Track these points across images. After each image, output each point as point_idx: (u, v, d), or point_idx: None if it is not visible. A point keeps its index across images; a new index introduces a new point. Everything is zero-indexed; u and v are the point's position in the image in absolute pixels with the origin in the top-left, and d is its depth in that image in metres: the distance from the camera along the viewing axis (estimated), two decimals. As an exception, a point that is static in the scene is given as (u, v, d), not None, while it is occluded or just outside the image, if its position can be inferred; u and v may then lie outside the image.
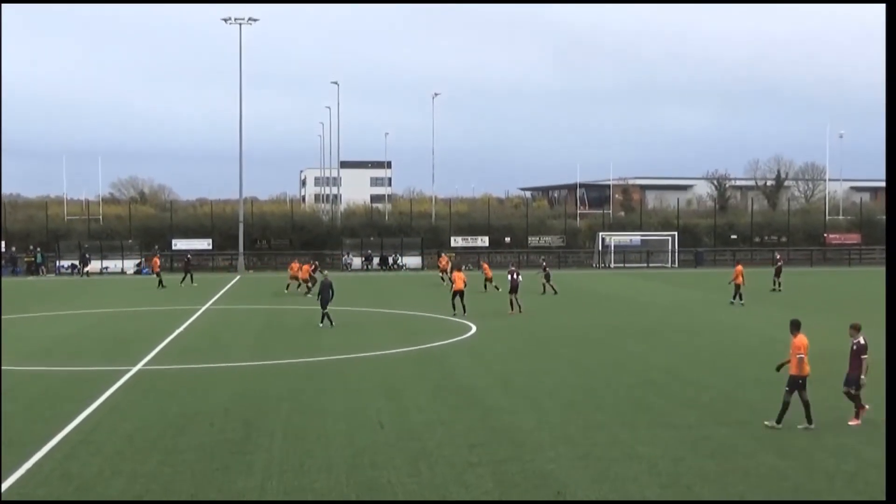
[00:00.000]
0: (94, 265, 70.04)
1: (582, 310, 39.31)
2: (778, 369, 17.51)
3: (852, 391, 16.76)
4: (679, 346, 27.36)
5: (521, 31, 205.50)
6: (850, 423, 16.67)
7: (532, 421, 17.14)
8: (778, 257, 53.38)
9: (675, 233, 77.61)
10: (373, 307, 40.13)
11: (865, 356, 16.64)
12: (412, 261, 74.37)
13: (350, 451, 15.06)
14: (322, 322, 32.61)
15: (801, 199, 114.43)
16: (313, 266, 52.61)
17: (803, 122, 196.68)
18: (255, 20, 71.57)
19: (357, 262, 73.39)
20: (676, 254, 76.31)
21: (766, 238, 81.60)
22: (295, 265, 51.60)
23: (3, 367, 22.76)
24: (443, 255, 63.41)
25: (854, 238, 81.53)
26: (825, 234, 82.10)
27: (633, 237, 78.64)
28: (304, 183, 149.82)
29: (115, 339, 29.82)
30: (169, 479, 13.59)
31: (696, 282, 55.06)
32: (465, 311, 35.90)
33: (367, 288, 51.75)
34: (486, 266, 51.03)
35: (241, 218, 73.16)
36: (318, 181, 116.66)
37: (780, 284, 48.66)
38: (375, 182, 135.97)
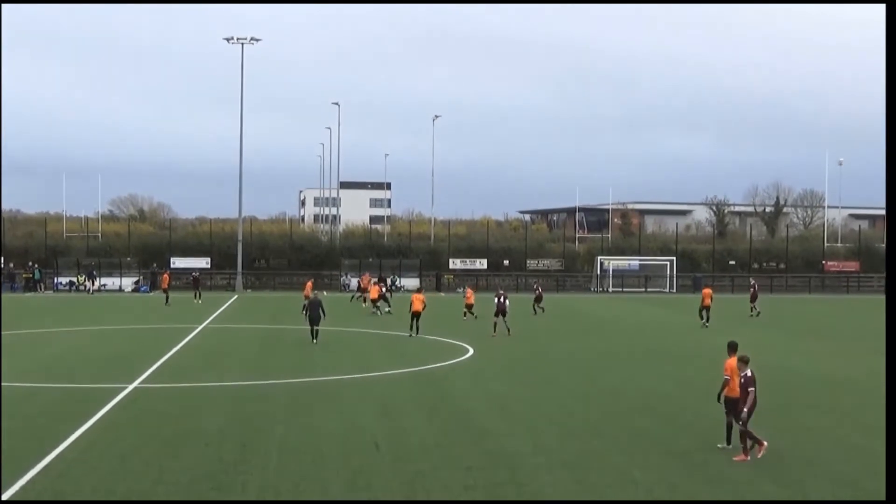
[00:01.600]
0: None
1: (580, 334, 39.27)
2: (718, 399, 17.12)
3: (743, 428, 15.89)
4: (677, 372, 27.31)
5: (521, 56, 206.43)
6: (735, 458, 15.81)
7: (528, 445, 17.09)
8: (752, 282, 53.81)
9: (674, 258, 77.71)
10: (370, 328, 40.07)
11: (752, 388, 15.89)
12: (410, 282, 74.34)
13: (346, 472, 15.01)
14: (315, 339, 33.53)
15: (799, 225, 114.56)
16: (382, 285, 52.52)
17: (802, 149, 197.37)
18: (257, 40, 71.98)
19: (355, 282, 73.30)
20: (675, 279, 76.38)
21: (765, 264, 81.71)
22: (366, 278, 53.03)
23: (0, 384, 22.71)
24: (365, 274, 62.26)
25: (853, 266, 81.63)
26: (824, 262, 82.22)
27: (632, 261, 78.73)
28: (303, 203, 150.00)
29: (111, 357, 29.75)
30: (163, 498, 13.54)
31: (694, 307, 54.87)
32: (417, 332, 36.24)
33: (365, 309, 51.64)
34: (469, 292, 48.57)
35: (240, 237, 73.24)
36: (317, 201, 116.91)
37: (754, 309, 49.30)
38: (375, 203, 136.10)
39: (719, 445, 16.76)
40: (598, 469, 15.36)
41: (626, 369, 27.97)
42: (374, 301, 48.86)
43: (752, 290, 51.57)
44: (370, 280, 53.65)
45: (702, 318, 42.93)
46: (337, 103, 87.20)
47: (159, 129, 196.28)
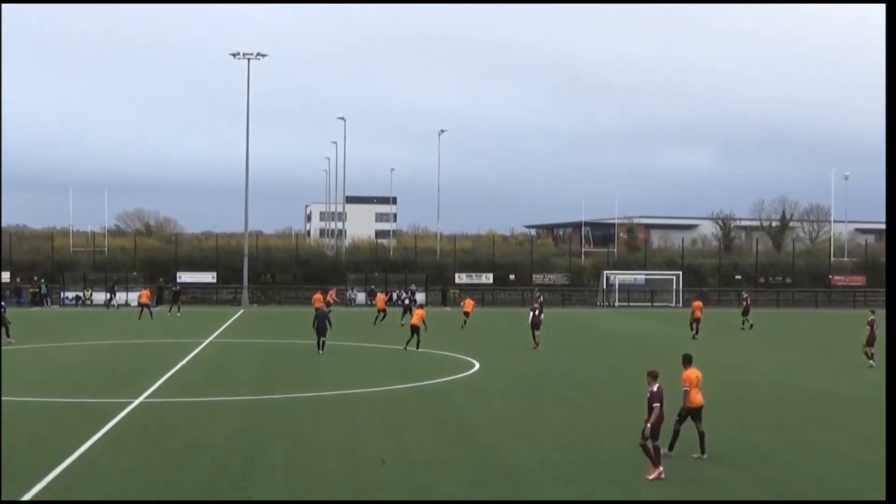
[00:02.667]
0: (99, 297, 70.14)
1: (585, 349, 39.23)
2: (679, 415, 17.38)
3: (642, 442, 15.66)
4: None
5: (527, 71, 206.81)
6: (645, 475, 15.52)
7: (534, 461, 17.08)
8: (745, 296, 54.01)
9: (680, 272, 77.64)
10: (376, 343, 40.08)
11: (657, 404, 15.65)
12: (416, 297, 74.28)
13: (351, 487, 15.02)
14: (319, 350, 34.68)
15: (805, 240, 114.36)
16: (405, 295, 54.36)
17: (808, 163, 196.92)
18: (263, 55, 72.26)
19: (361, 297, 73.40)
20: (681, 293, 76.29)
21: (771, 279, 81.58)
22: (381, 297, 53.52)
23: (3, 398, 22.74)
24: (330, 290, 62.33)
25: (859, 280, 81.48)
26: (830, 276, 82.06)
27: (638, 276, 78.69)
28: (309, 218, 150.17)
29: (117, 372, 29.80)
30: (149, 501, 13.55)
31: (703, 322, 54.87)
32: (410, 346, 36.34)
33: (370, 324, 51.67)
34: (468, 301, 50.26)
35: (246, 252, 73.33)
36: (323, 216, 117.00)
37: (746, 322, 49.63)
38: (380, 218, 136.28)
39: (665, 451, 16.66)
40: (603, 484, 15.34)
41: (632, 384, 27.87)
42: (380, 310, 50.57)
43: (744, 303, 51.85)
44: (384, 299, 54.14)
45: (692, 330, 43.84)
46: (342, 118, 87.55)
47: (166, 143, 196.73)
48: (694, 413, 17.31)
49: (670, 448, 17.03)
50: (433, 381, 27.97)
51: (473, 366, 31.78)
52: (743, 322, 50.01)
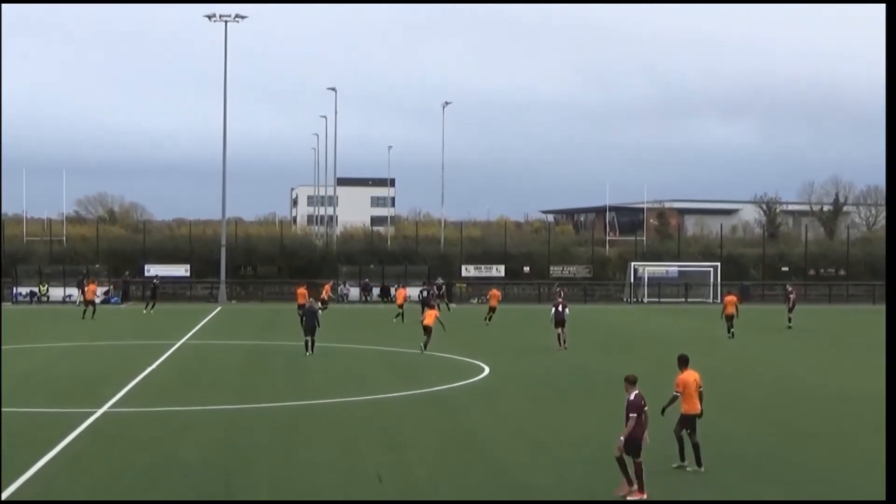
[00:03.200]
0: (56, 292, 70.29)
1: (610, 350, 39.26)
2: (662, 412, 17.87)
3: (617, 454, 15.67)
4: (720, 395, 27.19)
5: (542, 36, 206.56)
6: (629, 497, 15.54)
7: (551, 477, 17.13)
8: (789, 289, 54.51)
9: (718, 264, 77.53)
10: (372, 344, 40.16)
11: (633, 414, 15.70)
12: (417, 292, 74.38)
13: (343, 509, 15.06)
14: (308, 350, 35.14)
15: (862, 226, 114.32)
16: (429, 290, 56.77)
17: (865, 139, 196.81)
18: (242, 17, 72.21)
19: (354, 292, 73.50)
20: (719, 287, 76.14)
21: (823, 271, 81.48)
22: (402, 292, 55.12)
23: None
24: (325, 284, 63.54)
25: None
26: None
27: (670, 268, 78.61)
28: (295, 202, 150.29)
29: (77, 378, 29.87)
30: (145, 501, 13.61)
31: (741, 320, 54.90)
32: (424, 348, 36.68)
33: (366, 322, 51.77)
34: (494, 292, 53.26)
35: (224, 241, 73.39)
36: (311, 200, 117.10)
37: (790, 319, 50.25)
38: (376, 202, 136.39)
39: (674, 465, 17.25)
40: (631, 505, 15.37)
41: (660, 390, 27.88)
42: (400, 306, 52.21)
43: (788, 297, 52.25)
44: (406, 295, 55.78)
45: (728, 331, 44.25)
46: (333, 89, 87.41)
47: (131, 119, 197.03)
48: (690, 421, 17.58)
49: (682, 458, 17.40)
50: (437, 388, 28.01)
51: (483, 370, 31.83)
52: (789, 320, 50.31)
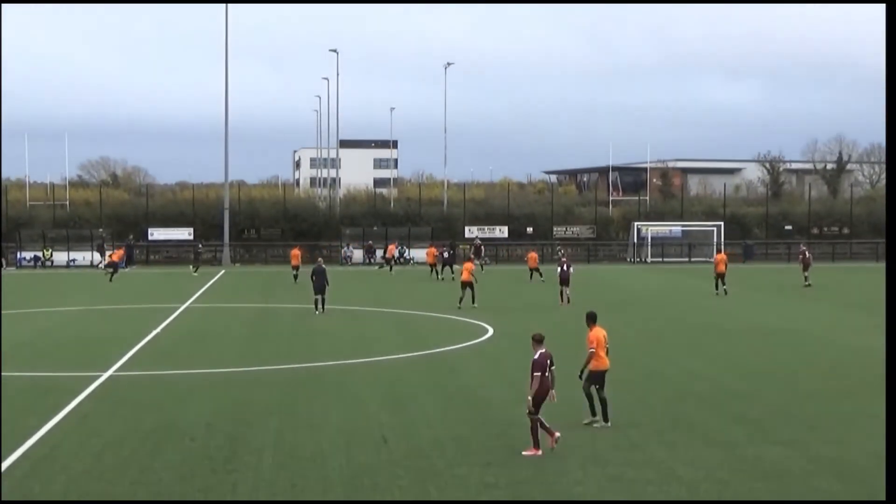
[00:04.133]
0: (60, 257, 70.35)
1: (613, 311, 39.19)
2: (580, 375, 18.22)
3: (529, 415, 15.94)
4: (725, 354, 27.32)
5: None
6: (523, 452, 15.84)
7: (556, 437, 17.13)
8: (802, 248, 54.77)
9: (721, 223, 77.41)
10: (375, 306, 40.19)
11: (537, 374, 15.85)
12: (421, 254, 74.39)
13: (349, 470, 15.10)
14: (318, 309, 36.66)
15: (865, 184, 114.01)
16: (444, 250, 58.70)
17: (869, 96, 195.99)
18: (242, -21, 71.68)
19: (358, 254, 73.49)
20: (722, 246, 76.05)
21: (826, 229, 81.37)
22: (432, 250, 57.77)
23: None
24: (432, 245, 64.03)
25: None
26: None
27: (673, 227, 78.51)
28: (298, 165, 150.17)
29: (83, 342, 29.95)
30: (143, 501, 13.65)
31: (744, 279, 54.89)
32: (473, 301, 38.84)
33: (369, 284, 51.83)
34: (532, 255, 55.49)
35: (227, 204, 73.31)
36: (314, 163, 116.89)
37: (807, 279, 50.32)
38: (379, 164, 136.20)
39: (585, 422, 17.67)
40: (635, 464, 15.40)
41: (667, 349, 28.00)
42: (433, 265, 56.18)
43: (801, 256, 52.36)
44: (439, 252, 57.69)
45: (717, 288, 45.09)
46: (335, 51, 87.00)
47: (134, 82, 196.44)
48: (599, 377, 18.01)
49: (592, 414, 17.78)
50: (442, 350, 28.05)
51: (487, 331, 31.86)
52: (805, 279, 50.26)
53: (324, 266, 38.15)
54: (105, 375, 23.54)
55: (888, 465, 13.08)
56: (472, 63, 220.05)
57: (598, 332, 18.46)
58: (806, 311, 38.81)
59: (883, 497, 12.59)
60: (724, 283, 45.07)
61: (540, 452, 15.83)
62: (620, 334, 31.56)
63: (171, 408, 19.83)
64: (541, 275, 52.03)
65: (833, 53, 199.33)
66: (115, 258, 59.04)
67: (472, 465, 15.35)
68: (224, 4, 71.71)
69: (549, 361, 16.19)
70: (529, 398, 15.93)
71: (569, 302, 40.05)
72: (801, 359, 26.38)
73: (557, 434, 16.04)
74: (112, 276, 55.16)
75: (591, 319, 18.81)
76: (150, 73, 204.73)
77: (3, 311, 35.00)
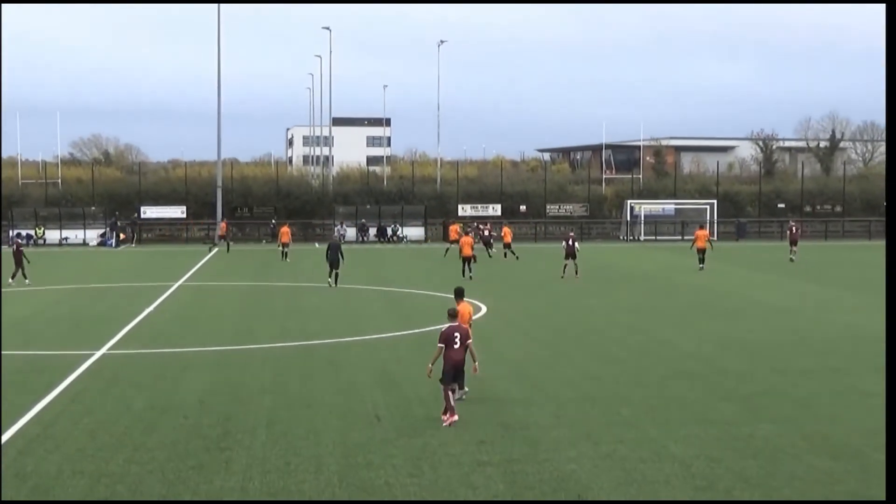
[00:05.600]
0: (52, 235, 70.24)
1: (606, 289, 39.32)
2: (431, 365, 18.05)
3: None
4: (716, 332, 27.36)
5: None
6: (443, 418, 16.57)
7: (549, 416, 17.18)
8: (791, 224, 56.26)
9: (714, 201, 77.50)
10: (369, 284, 40.19)
11: (440, 345, 16.63)
12: (414, 232, 74.39)
13: (342, 448, 15.12)
14: (335, 283, 38.41)
15: (858, 162, 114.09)
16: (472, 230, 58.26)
17: (861, 74, 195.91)
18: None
19: (351, 232, 73.44)
20: (716, 225, 76.25)
21: (819, 207, 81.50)
22: (455, 227, 57.64)
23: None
24: (454, 223, 64.15)
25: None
26: (885, 204, 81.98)
27: (666, 206, 78.57)
28: (290, 143, 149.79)
29: (76, 320, 29.92)
30: (137, 479, 13.66)
31: (737, 257, 54.99)
32: (471, 278, 40.69)
33: (363, 262, 51.78)
34: (506, 230, 56.04)
35: (220, 182, 73.15)
36: (306, 141, 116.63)
37: (794, 253, 52.05)
38: (372, 142, 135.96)
39: (455, 397, 17.40)
40: (628, 442, 15.44)
41: (660, 328, 28.02)
42: (453, 241, 54.89)
43: (790, 232, 53.69)
44: (461, 230, 56.09)
45: (700, 262, 46.53)
46: (328, 28, 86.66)
47: (126, 60, 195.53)
48: None
49: (460, 387, 17.84)
50: (435, 328, 27.99)
51: (480, 309, 31.86)
52: (792, 252, 51.76)
53: (338, 241, 40.76)
54: (98, 354, 23.53)
55: (888, 464, 13.07)
56: (465, 40, 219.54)
57: (464, 308, 18.82)
58: (798, 289, 38.87)
59: (883, 496, 12.57)
60: (703, 259, 46.61)
61: (455, 418, 16.39)
62: (613, 312, 31.67)
63: (164, 386, 19.83)
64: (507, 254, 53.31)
65: (827, 30, 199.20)
66: (221, 232, 62.63)
67: (466, 443, 15.38)
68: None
69: (456, 335, 16.66)
70: (429, 366, 16.86)
71: (577, 274, 41.84)
72: (793, 337, 26.43)
73: (455, 418, 16.39)
74: (228, 246, 59.42)
75: (459, 295, 19.27)
76: (143, 50, 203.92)
77: (-5, 290, 34.95)
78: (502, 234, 56.05)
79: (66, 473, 13.91)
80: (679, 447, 15.14)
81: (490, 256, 53.30)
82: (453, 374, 16.64)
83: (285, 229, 55.02)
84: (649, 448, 15.10)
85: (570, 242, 43.04)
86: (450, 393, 16.52)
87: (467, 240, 43.49)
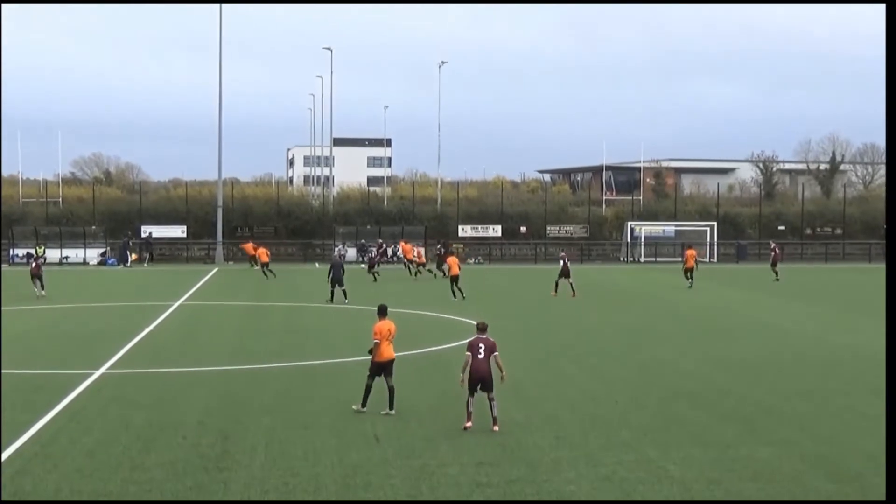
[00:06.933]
0: (53, 254, 70.24)
1: (605, 310, 39.31)
2: (369, 352, 19.35)
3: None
4: (716, 353, 27.35)
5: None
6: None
7: (548, 437, 17.17)
8: (772, 245, 58.36)
9: (715, 223, 77.55)
10: (368, 304, 40.14)
11: (468, 353, 17.80)
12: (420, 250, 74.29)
13: (341, 469, 15.10)
14: (331, 300, 40.00)
15: (858, 185, 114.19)
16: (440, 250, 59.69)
17: (861, 97, 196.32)
18: (237, -24, 71.58)
19: (351, 253, 73.41)
20: (716, 247, 76.30)
21: (819, 229, 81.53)
22: (408, 247, 58.43)
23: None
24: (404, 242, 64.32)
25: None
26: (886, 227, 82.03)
27: (667, 227, 78.60)
28: (291, 163, 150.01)
29: (75, 339, 29.90)
30: (135, 499, 13.64)
31: (737, 279, 55.04)
32: (463, 297, 41.28)
33: (362, 282, 51.75)
34: (452, 260, 46.88)
35: (220, 202, 73.24)
36: (307, 161, 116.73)
37: (776, 273, 53.51)
38: (373, 162, 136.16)
39: (354, 406, 18.90)
40: (627, 464, 15.42)
41: (659, 349, 28.00)
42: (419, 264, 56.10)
43: (772, 253, 55.57)
44: (414, 248, 59.02)
45: (687, 280, 48.26)
46: (329, 48, 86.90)
47: (127, 80, 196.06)
48: (384, 367, 19.00)
49: (363, 405, 18.84)
50: (433, 349, 28.06)
51: (480, 330, 31.82)
52: (776, 273, 53.25)
53: (341, 260, 42.68)
54: (98, 373, 23.51)
55: (888, 465, 13.09)
56: (466, 62, 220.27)
57: (384, 325, 19.23)
58: (798, 310, 38.86)
59: (883, 497, 12.61)
60: (691, 278, 48.26)
61: (469, 424, 17.45)
62: (612, 333, 31.66)
63: (163, 405, 19.81)
64: (421, 272, 54.86)
65: (827, 52, 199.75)
66: (263, 258, 56.11)
67: (464, 464, 15.36)
68: (218, 1, 71.61)
69: (481, 346, 17.71)
70: (461, 374, 17.83)
71: (574, 294, 42.84)
72: (793, 358, 26.42)
73: (469, 424, 17.48)
74: (267, 273, 54.15)
75: (381, 312, 19.61)
76: (144, 70, 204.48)
77: (-5, 308, 34.94)
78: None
79: (65, 493, 13.90)
80: (678, 469, 15.13)
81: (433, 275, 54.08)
82: (476, 383, 17.52)
83: (248, 245, 55.89)
84: (648, 470, 15.09)
85: (566, 261, 44.53)
86: (470, 399, 17.61)
87: (454, 259, 43.95)
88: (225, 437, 17.06)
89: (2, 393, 20.41)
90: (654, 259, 74.94)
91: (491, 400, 17.73)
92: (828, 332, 32.30)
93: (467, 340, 18.07)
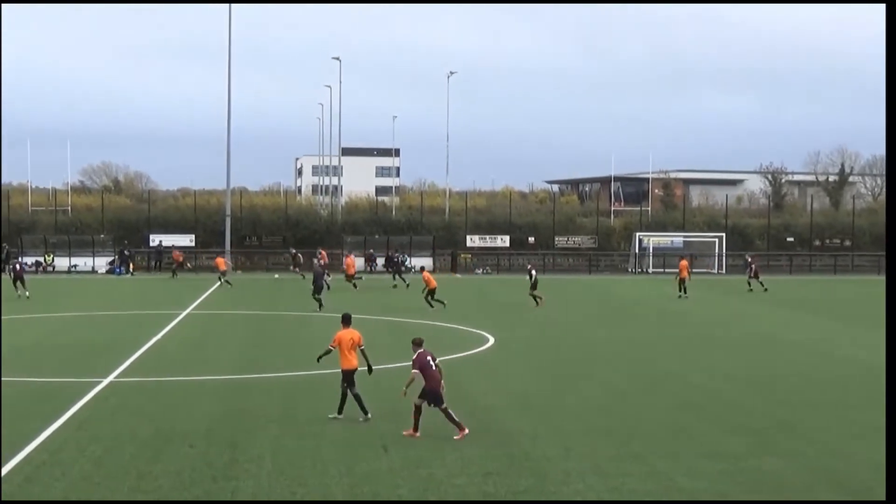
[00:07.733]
0: (62, 262, 70.38)
1: (614, 321, 39.27)
2: (318, 360, 20.55)
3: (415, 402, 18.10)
4: (724, 364, 27.30)
5: (546, 5, 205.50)
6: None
7: (556, 448, 17.14)
8: (749, 260, 58.62)
9: (723, 234, 77.39)
10: (376, 314, 40.16)
11: (415, 371, 18.11)
12: (422, 262, 74.30)
13: (349, 478, 15.10)
14: (320, 308, 40.22)
15: (867, 196, 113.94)
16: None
17: (871, 108, 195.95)
18: (246, -14, 71.74)
19: (360, 262, 73.37)
20: (724, 258, 76.13)
21: (828, 241, 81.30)
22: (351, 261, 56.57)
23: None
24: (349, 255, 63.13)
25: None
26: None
27: (675, 238, 78.44)
28: (300, 172, 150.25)
29: (84, 348, 29.93)
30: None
31: (745, 290, 54.88)
32: (444, 305, 41.49)
33: (370, 292, 51.79)
34: (427, 275, 45.23)
35: (229, 211, 73.31)
36: (315, 170, 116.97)
37: (750, 284, 54.20)
38: (381, 172, 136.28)
39: (330, 415, 19.29)
40: (636, 475, 15.39)
41: (668, 360, 27.97)
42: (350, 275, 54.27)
43: (749, 268, 56.09)
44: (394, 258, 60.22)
45: (680, 291, 48.68)
46: (338, 58, 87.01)
47: (136, 88, 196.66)
48: (347, 376, 19.44)
49: (339, 412, 19.35)
50: (442, 358, 27.91)
51: (487, 340, 31.84)
52: (749, 284, 54.10)
53: (320, 269, 43.41)
54: (105, 381, 23.54)
55: (888, 465, 13.06)
56: (474, 72, 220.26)
57: (345, 334, 19.80)
58: (807, 322, 38.80)
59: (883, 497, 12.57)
60: (684, 288, 48.73)
61: (413, 432, 17.74)
62: (620, 344, 31.62)
63: (170, 414, 19.83)
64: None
65: (835, 65, 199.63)
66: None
67: (472, 474, 15.35)
68: (228, 9, 71.80)
69: (429, 358, 18.15)
70: (404, 388, 18.19)
71: (537, 304, 42.96)
72: (801, 370, 26.38)
73: (413, 432, 17.78)
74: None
75: (345, 321, 20.26)
76: (153, 78, 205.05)
77: (3, 317, 34.99)
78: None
79: (72, 500, 13.90)
80: (687, 481, 15.10)
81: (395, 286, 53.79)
82: (436, 397, 17.86)
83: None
84: (657, 482, 15.06)
85: (533, 274, 45.10)
86: (420, 410, 17.93)
87: (428, 274, 43.55)
88: (233, 446, 17.06)
89: (1, 401, 20.43)
90: (662, 270, 74.76)
91: (445, 410, 17.93)
92: (836, 344, 32.23)
93: (414, 356, 18.33)
